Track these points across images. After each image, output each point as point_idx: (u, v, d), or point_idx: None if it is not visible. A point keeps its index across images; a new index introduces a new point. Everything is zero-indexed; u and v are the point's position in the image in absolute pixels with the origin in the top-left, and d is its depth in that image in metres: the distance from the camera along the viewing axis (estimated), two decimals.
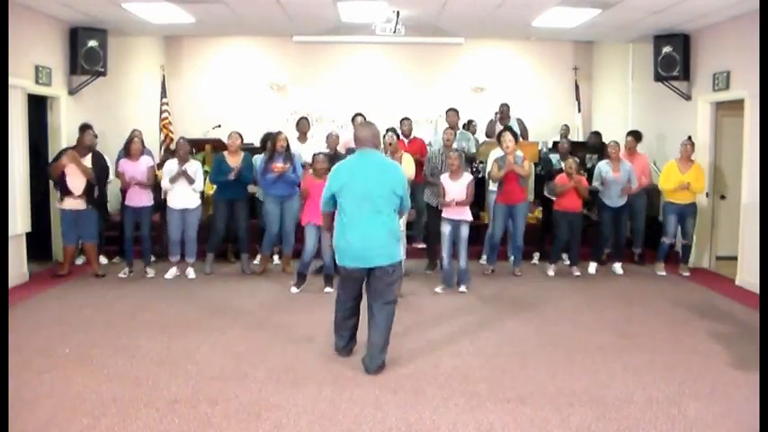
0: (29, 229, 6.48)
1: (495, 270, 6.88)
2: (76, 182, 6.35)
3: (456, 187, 6.03)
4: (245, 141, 7.15)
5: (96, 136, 6.99)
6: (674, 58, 7.54)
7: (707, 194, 7.26)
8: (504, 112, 8.76)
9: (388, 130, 6.72)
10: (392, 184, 4.02)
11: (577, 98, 10.45)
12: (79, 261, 7.17)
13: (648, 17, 6.92)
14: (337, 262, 4.16)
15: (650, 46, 7.80)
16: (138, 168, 6.55)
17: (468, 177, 6.11)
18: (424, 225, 7.29)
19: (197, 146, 8.18)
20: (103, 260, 7.14)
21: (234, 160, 6.72)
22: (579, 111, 10.41)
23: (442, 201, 6.09)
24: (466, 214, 6.07)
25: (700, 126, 7.36)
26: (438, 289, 6.12)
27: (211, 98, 10.22)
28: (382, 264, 3.99)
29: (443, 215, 6.11)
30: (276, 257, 7.29)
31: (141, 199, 6.56)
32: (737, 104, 6.70)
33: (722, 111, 7.28)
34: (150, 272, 6.68)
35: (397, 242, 4.09)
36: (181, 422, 3.31)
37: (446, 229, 6.08)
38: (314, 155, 6.24)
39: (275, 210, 6.66)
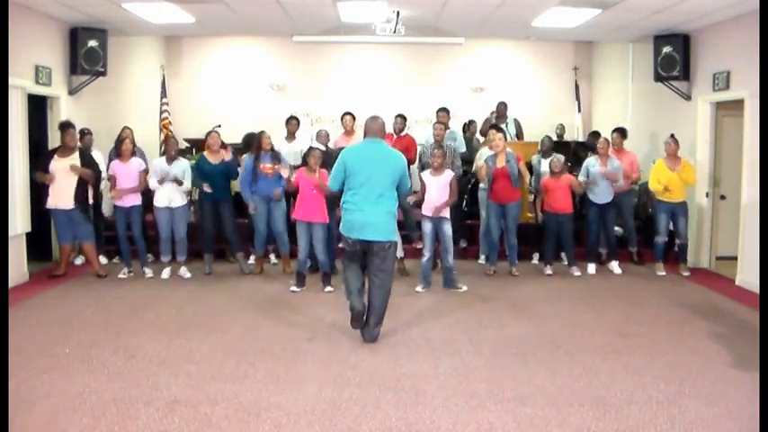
0: (29, 229, 6.48)
1: (496, 270, 6.88)
2: (66, 182, 6.31)
3: (436, 183, 6.03)
4: (236, 141, 7.15)
5: (90, 133, 6.96)
6: (674, 58, 7.54)
7: (707, 194, 7.27)
8: (501, 110, 8.76)
9: None
10: (394, 169, 4.56)
11: (577, 98, 10.45)
12: (78, 261, 7.18)
13: (648, 17, 6.92)
14: (343, 233, 4.59)
15: (650, 46, 7.81)
16: (128, 170, 6.53)
17: (449, 175, 6.11)
18: (418, 224, 7.28)
19: (197, 146, 8.18)
20: (103, 260, 7.13)
21: (215, 159, 6.73)
22: (579, 111, 10.41)
23: (419, 195, 6.08)
24: (445, 212, 6.07)
25: (700, 126, 7.36)
26: (419, 288, 6.12)
27: (211, 98, 10.21)
28: (380, 239, 4.48)
29: (423, 212, 6.10)
30: (273, 257, 7.29)
31: (130, 198, 6.54)
32: (737, 104, 6.69)
33: (722, 111, 7.27)
34: (148, 272, 6.67)
35: (394, 222, 4.63)
36: (181, 422, 3.31)
37: (427, 227, 6.08)
38: (310, 148, 6.26)
39: (262, 209, 6.63)
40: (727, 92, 6.87)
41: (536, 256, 7.49)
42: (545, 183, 6.84)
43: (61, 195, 6.33)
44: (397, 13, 7.15)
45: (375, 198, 4.45)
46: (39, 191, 6.52)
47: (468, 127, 8.96)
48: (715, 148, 7.34)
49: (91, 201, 6.65)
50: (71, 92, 7.40)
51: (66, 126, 6.45)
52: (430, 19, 7.58)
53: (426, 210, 6.08)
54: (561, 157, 6.90)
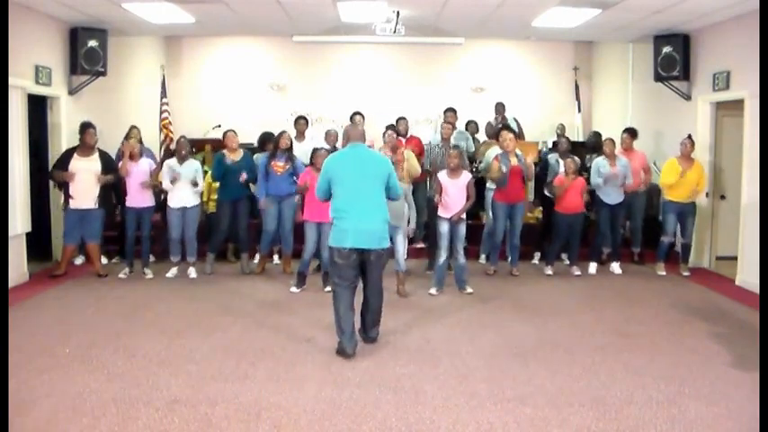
0: (29, 229, 6.48)
1: (497, 270, 6.88)
2: (85, 182, 6.35)
3: (454, 186, 5.98)
4: (244, 141, 7.15)
5: (92, 127, 6.98)
6: (674, 58, 7.55)
7: (707, 194, 7.26)
8: (499, 111, 8.79)
9: (388, 128, 6.73)
10: (381, 172, 4.42)
11: (577, 98, 10.44)
12: (78, 261, 7.18)
13: (648, 17, 6.93)
14: (334, 245, 4.34)
15: (650, 46, 7.81)
16: (139, 169, 6.56)
17: (467, 176, 6.05)
18: (424, 224, 7.29)
19: (197, 146, 8.19)
20: (103, 260, 7.12)
21: (235, 157, 6.74)
22: (579, 111, 10.41)
23: (438, 198, 6.00)
24: (460, 212, 6.03)
25: (700, 126, 7.36)
26: (432, 290, 6.05)
27: (211, 98, 10.22)
28: (376, 247, 4.35)
29: (440, 214, 6.03)
30: (276, 257, 7.30)
31: (143, 199, 6.55)
32: (737, 104, 6.69)
33: (722, 111, 7.27)
34: (148, 273, 6.66)
35: (387, 228, 4.48)
36: (181, 422, 3.31)
37: (444, 228, 6.01)
38: (315, 149, 6.26)
39: (273, 209, 6.66)
40: (727, 92, 6.87)
41: (537, 256, 7.49)
42: (558, 182, 6.80)
43: (81, 195, 6.36)
44: (397, 13, 7.15)
45: (367, 204, 4.31)
46: (38, 188, 6.52)
47: (468, 127, 8.96)
48: (715, 148, 7.34)
49: (114, 201, 6.76)
50: (71, 92, 7.40)
51: (86, 126, 6.49)
52: (430, 19, 7.58)
53: (444, 212, 6.00)
54: (577, 160, 6.90)
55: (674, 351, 4.50)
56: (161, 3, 6.53)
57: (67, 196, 6.41)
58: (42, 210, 6.94)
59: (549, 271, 6.94)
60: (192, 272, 6.67)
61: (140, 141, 6.94)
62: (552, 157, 7.36)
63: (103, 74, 7.50)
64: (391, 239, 5.72)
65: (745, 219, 6.53)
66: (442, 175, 6.06)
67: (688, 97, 7.62)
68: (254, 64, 10.46)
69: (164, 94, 9.78)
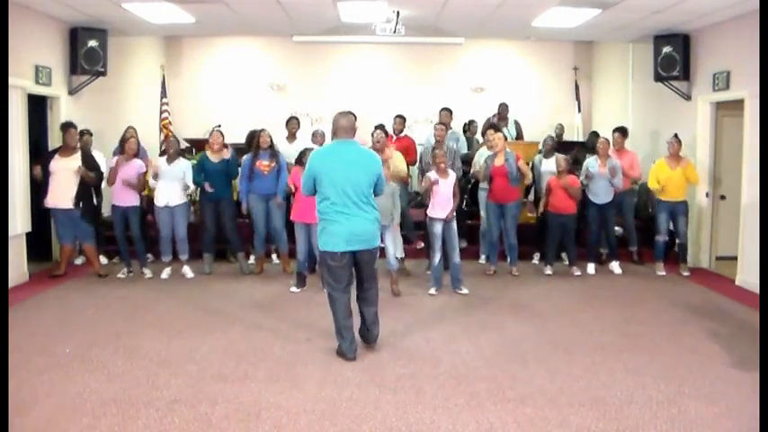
0: (29, 229, 6.48)
1: (496, 270, 6.88)
2: (66, 182, 6.31)
3: (444, 185, 5.98)
4: (236, 141, 7.15)
5: (88, 134, 6.96)
6: (674, 58, 7.54)
7: (707, 194, 7.27)
8: (502, 112, 8.80)
9: (376, 128, 6.73)
10: (371, 171, 4.22)
11: (577, 98, 10.45)
12: (78, 261, 7.18)
13: (648, 17, 6.93)
14: (325, 248, 4.22)
15: (650, 46, 7.81)
16: (128, 170, 6.51)
17: (454, 176, 6.07)
18: (416, 225, 7.28)
19: (197, 146, 8.19)
20: (103, 260, 7.13)
21: (216, 158, 6.73)
22: (579, 111, 10.41)
23: (428, 197, 6.00)
24: (452, 211, 6.02)
25: (700, 126, 7.36)
26: (432, 291, 6.04)
27: (211, 98, 10.22)
28: (368, 248, 4.24)
29: (431, 215, 6.01)
30: (275, 257, 7.29)
31: (128, 198, 6.52)
32: (737, 104, 6.69)
33: (722, 111, 7.27)
34: (147, 272, 6.66)
35: (378, 227, 4.34)
36: (181, 422, 3.31)
37: (437, 228, 6.00)
38: (305, 149, 6.24)
39: (260, 207, 6.66)
40: (727, 92, 6.87)
41: (536, 256, 7.48)
42: (549, 182, 6.83)
43: (61, 195, 6.33)
44: (397, 13, 7.16)
45: (357, 205, 4.12)
46: (38, 189, 6.52)
47: (469, 127, 8.97)
48: (715, 148, 7.33)
49: (94, 202, 6.69)
50: (71, 92, 7.40)
51: (67, 126, 6.45)
52: (430, 19, 7.58)
53: (434, 212, 6.00)
54: (567, 157, 6.88)
55: (674, 351, 4.50)
56: (161, 3, 6.53)
57: (44, 193, 6.37)
58: (42, 210, 6.92)
59: (548, 271, 6.94)
60: (188, 271, 6.66)
61: (137, 142, 6.92)
62: (537, 158, 7.37)
63: (103, 74, 7.51)
64: (381, 238, 5.74)
65: (745, 219, 6.52)
66: (433, 175, 6.04)
67: (688, 97, 7.62)
68: (254, 64, 10.46)
69: (164, 94, 9.78)
